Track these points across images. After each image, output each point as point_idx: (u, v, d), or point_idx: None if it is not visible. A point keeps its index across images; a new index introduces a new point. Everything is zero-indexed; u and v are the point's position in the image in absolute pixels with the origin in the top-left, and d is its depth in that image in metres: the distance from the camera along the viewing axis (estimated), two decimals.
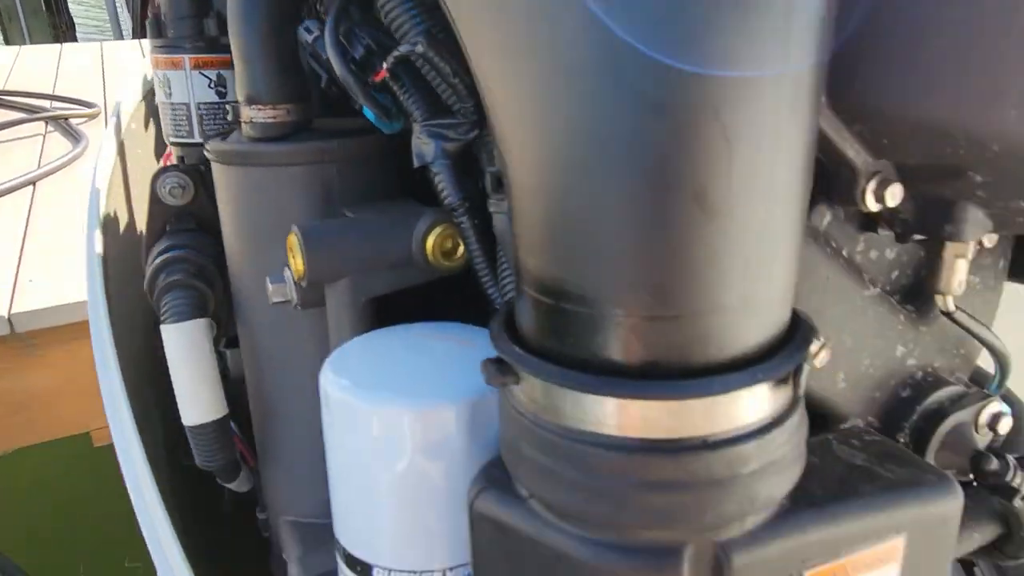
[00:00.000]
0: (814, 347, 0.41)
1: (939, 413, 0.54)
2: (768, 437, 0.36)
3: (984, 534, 0.60)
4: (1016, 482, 0.52)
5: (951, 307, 0.50)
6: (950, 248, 0.47)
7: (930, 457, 0.54)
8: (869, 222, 0.52)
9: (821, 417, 0.54)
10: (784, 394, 0.37)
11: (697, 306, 0.34)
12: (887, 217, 0.50)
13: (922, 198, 0.47)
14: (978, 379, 0.62)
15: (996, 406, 0.55)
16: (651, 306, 0.34)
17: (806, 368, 0.36)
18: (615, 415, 0.36)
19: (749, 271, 0.33)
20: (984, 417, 0.55)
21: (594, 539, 0.38)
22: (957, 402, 0.55)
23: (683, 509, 0.36)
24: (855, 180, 0.46)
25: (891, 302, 0.53)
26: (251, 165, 0.66)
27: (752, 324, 0.35)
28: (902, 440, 0.54)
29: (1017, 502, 0.52)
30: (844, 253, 0.53)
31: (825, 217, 0.50)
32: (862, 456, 0.45)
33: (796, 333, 0.37)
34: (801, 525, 0.39)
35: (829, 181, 0.48)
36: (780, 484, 0.37)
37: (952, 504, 0.43)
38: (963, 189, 0.44)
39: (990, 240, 0.51)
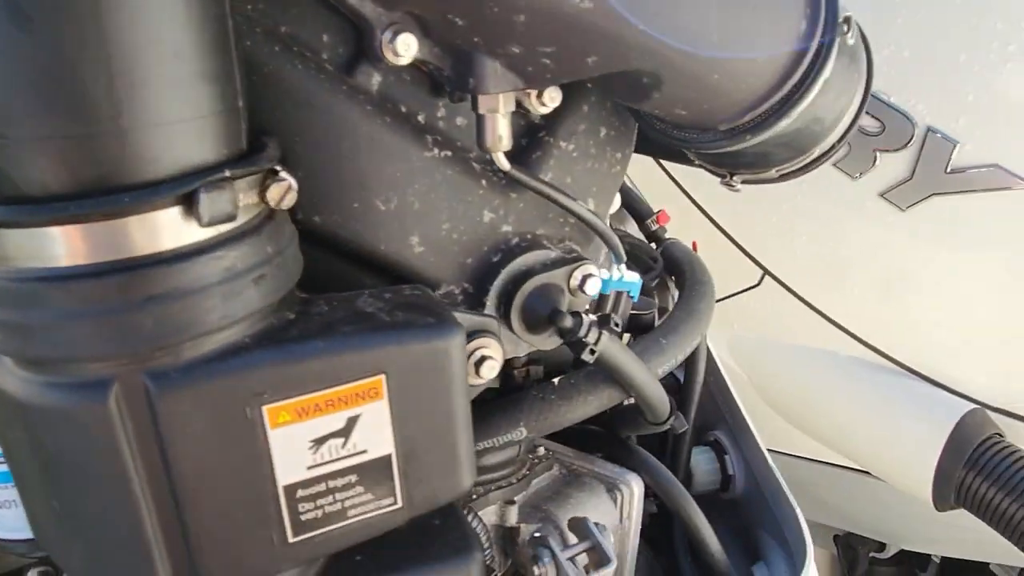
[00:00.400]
0: (276, 189, 0.41)
1: (526, 275, 0.56)
2: (175, 267, 0.36)
3: (601, 399, 0.62)
4: (588, 338, 0.54)
5: (504, 165, 0.51)
6: (482, 102, 0.47)
7: (515, 317, 0.56)
8: (437, 85, 0.52)
9: None
10: (194, 224, 0.37)
11: (59, 129, 0.33)
12: (436, 75, 0.50)
13: (449, 51, 0.47)
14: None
15: (587, 269, 0.57)
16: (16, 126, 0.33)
17: (204, 199, 0.36)
18: (11, 246, 0.36)
19: (98, 91, 0.33)
20: (576, 279, 0.57)
21: (34, 379, 0.38)
22: (548, 265, 0.57)
23: (89, 339, 0.36)
24: (372, 33, 0.46)
25: (469, 166, 0.54)
26: None
27: (140, 150, 0.35)
28: (489, 303, 0.56)
29: (585, 355, 0.54)
30: (420, 118, 0.53)
31: (373, 77, 0.50)
32: (378, 306, 0.46)
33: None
34: (251, 361, 0.40)
35: (362, 38, 0.48)
36: (202, 317, 0.37)
37: (441, 346, 0.44)
38: (460, 36, 0.44)
39: (551, 98, 0.51)
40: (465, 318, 0.52)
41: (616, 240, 0.60)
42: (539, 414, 0.60)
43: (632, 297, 0.64)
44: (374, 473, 0.45)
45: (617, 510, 0.78)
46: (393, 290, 0.49)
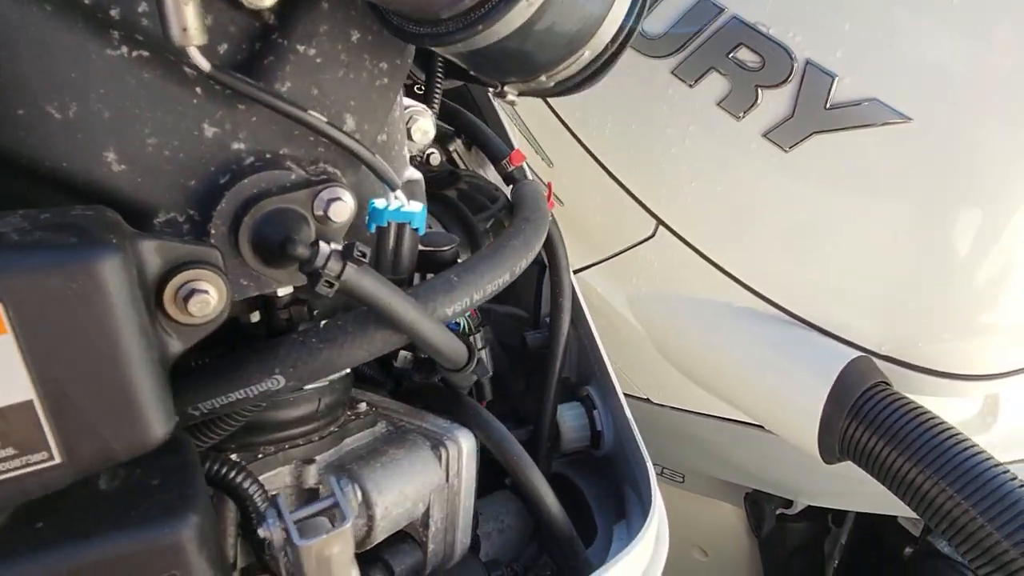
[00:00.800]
0: None
1: (257, 198, 0.48)
2: None
3: (375, 343, 0.56)
4: (328, 269, 0.47)
5: (202, 64, 0.43)
6: None
7: (245, 247, 0.49)
8: None
9: None
10: None
11: None
12: None
13: None
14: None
15: (334, 191, 0.50)
16: None
17: None
18: None
19: None
20: (320, 204, 0.50)
21: None
22: (287, 188, 0.49)
23: None
24: None
25: (176, 70, 0.46)
26: None
27: None
28: (215, 231, 0.49)
29: (321, 287, 0.47)
30: (113, 12, 0.45)
31: None
32: (18, 226, 0.38)
33: None
34: None
35: None
36: None
37: (80, 270, 0.37)
38: None
39: None
40: (171, 247, 0.45)
41: (381, 162, 0.53)
42: (297, 360, 0.53)
43: (416, 230, 0.58)
44: (11, 423, 0.38)
45: (443, 468, 0.73)
46: (58, 210, 0.41)
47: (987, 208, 1.03)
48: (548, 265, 0.95)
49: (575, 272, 1.46)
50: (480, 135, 0.90)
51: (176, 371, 0.51)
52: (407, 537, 0.72)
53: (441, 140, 0.93)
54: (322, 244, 0.47)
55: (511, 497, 0.92)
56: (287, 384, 0.53)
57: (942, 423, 0.99)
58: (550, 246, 0.93)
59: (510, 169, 0.90)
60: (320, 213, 0.50)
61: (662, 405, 1.44)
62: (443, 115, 0.94)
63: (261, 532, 0.47)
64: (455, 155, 0.93)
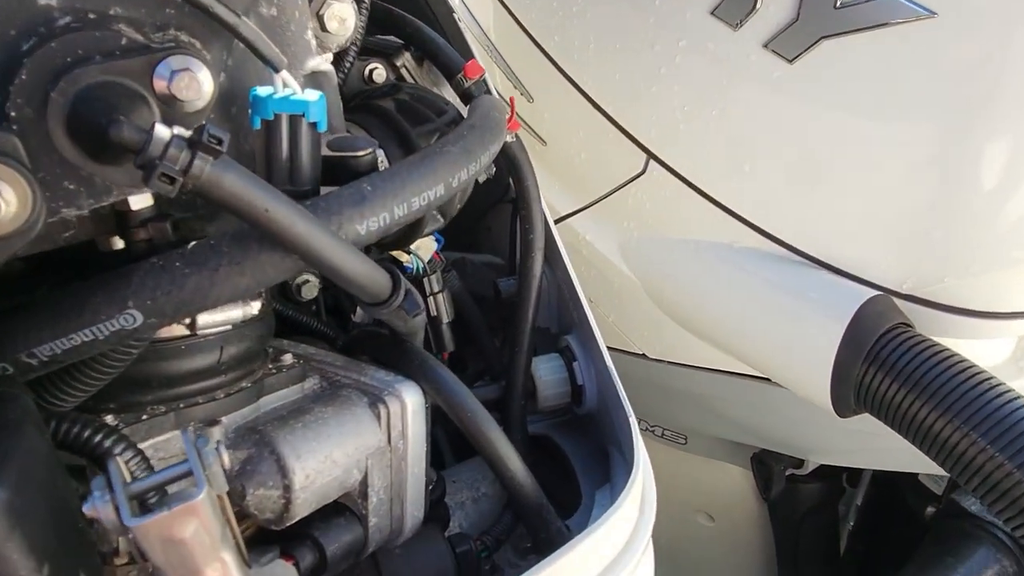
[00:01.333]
0: None
1: (69, 67, 0.36)
2: None
3: (262, 270, 0.43)
4: (166, 158, 0.35)
5: None
6: None
7: (57, 130, 0.36)
8: None
9: None
10: None
11: None
12: None
13: None
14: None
15: (182, 60, 0.38)
16: None
17: None
18: None
19: None
20: (161, 77, 0.38)
21: None
22: (114, 55, 0.37)
23: None
24: None
25: None
26: None
27: None
28: (15, 114, 0.36)
29: (158, 183, 0.35)
30: None
31: None
32: None
33: None
34: None
35: None
36: None
37: None
38: None
39: None
40: None
41: (250, 27, 0.40)
42: (156, 290, 0.41)
43: (315, 125, 0.45)
44: None
45: (382, 429, 0.61)
46: None
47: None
48: (516, 197, 0.83)
49: (562, 219, 1.34)
50: (430, 45, 0.78)
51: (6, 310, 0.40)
52: (343, 510, 0.61)
53: (387, 54, 0.80)
54: (159, 126, 0.35)
55: None
56: (146, 321, 0.41)
57: (972, 367, 0.87)
58: (517, 173, 0.81)
59: (467, 85, 0.77)
60: (164, 91, 0.38)
61: (660, 360, 1.32)
62: (389, 25, 0.81)
63: (86, 510, 0.36)
64: (404, 71, 0.80)
